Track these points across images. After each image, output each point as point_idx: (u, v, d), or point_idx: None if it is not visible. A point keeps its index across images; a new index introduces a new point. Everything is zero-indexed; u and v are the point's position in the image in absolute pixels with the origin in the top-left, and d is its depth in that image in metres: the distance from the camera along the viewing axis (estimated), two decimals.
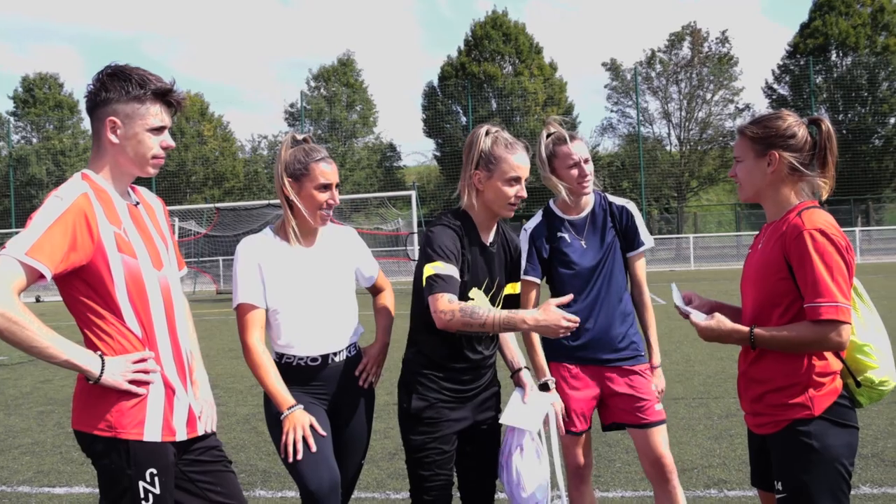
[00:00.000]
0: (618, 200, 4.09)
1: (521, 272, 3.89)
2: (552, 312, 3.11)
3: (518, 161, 3.42)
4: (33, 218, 2.69)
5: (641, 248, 4.05)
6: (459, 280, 3.32)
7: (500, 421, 3.54)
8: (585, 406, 3.93)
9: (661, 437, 3.90)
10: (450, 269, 3.28)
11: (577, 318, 3.16)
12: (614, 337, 3.92)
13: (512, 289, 3.70)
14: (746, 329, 2.99)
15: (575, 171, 3.88)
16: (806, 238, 2.85)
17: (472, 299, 3.43)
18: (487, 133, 3.45)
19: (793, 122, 3.03)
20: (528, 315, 3.13)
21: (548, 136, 3.96)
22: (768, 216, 3.13)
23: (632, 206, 4.09)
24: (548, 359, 3.94)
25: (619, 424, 3.99)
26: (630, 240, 4.04)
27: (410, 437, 3.48)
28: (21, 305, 2.61)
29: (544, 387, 3.81)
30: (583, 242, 3.96)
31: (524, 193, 3.45)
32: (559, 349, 3.93)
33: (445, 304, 3.18)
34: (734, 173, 3.16)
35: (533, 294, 3.99)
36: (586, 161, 3.90)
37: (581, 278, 3.92)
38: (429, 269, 3.29)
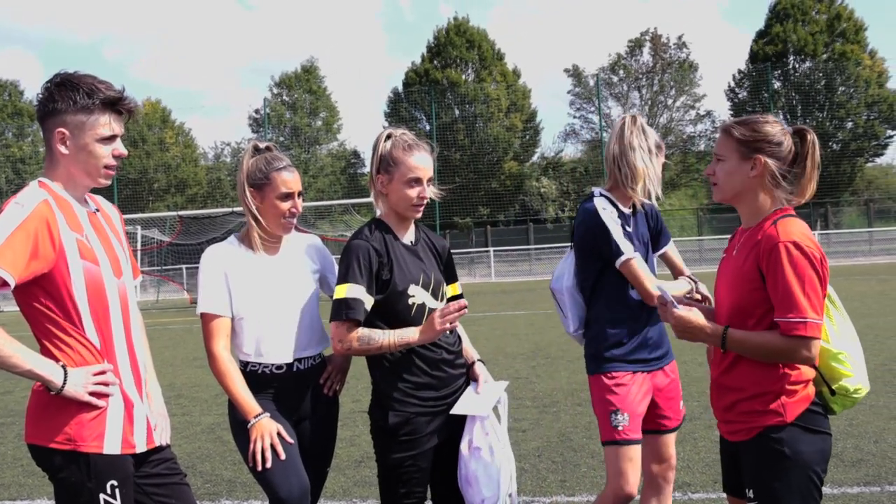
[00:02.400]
0: (645, 200, 3.99)
1: (625, 253, 3.71)
2: (430, 320, 3.30)
3: (416, 161, 3.43)
4: None
5: (671, 241, 4.13)
6: (367, 300, 3.36)
7: (451, 412, 3.45)
8: (646, 410, 3.83)
9: (673, 438, 3.97)
10: (355, 292, 3.34)
11: (460, 309, 3.29)
12: (656, 334, 3.86)
13: (453, 290, 3.73)
14: (721, 329, 3.00)
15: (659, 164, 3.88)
16: (781, 250, 2.86)
17: (413, 296, 3.45)
18: (389, 137, 3.49)
19: (780, 130, 3.04)
20: (414, 331, 3.36)
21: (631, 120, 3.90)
22: (743, 221, 3.14)
23: (656, 205, 4.10)
24: (605, 369, 3.77)
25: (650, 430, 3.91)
26: (662, 237, 4.08)
27: (388, 455, 3.43)
28: None
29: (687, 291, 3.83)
30: (634, 239, 3.86)
31: (426, 194, 3.46)
32: (628, 358, 3.77)
33: (343, 334, 3.34)
34: (712, 171, 3.13)
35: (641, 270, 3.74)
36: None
37: None
38: (339, 292, 3.37)
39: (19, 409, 9.60)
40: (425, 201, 3.48)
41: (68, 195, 2.86)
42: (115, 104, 2.84)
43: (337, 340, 3.36)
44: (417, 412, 3.42)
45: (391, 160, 3.43)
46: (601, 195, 3.87)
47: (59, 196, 2.83)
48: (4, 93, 56.79)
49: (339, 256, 3.50)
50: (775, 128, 3.04)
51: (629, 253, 3.72)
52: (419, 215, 3.51)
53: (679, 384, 3.98)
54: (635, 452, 3.73)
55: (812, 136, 3.06)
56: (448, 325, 3.31)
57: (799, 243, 2.86)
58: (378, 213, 3.59)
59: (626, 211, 3.88)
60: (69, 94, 2.79)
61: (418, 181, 3.43)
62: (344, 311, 3.33)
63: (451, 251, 3.80)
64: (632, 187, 3.80)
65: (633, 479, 3.72)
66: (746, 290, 2.98)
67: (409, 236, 3.58)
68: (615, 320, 3.79)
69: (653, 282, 3.70)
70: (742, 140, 3.03)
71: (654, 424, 3.88)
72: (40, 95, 2.84)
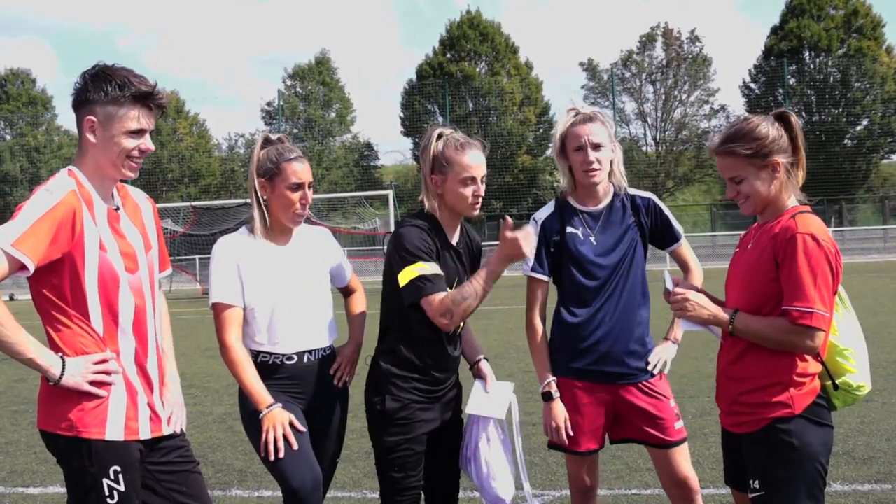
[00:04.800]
0: (641, 193, 3.77)
1: (527, 268, 3.69)
2: (507, 239, 3.19)
3: (470, 160, 3.43)
4: (21, 209, 2.72)
5: (682, 240, 3.79)
6: (444, 275, 3.37)
7: (466, 411, 3.51)
8: (596, 424, 3.63)
9: (683, 458, 3.63)
10: (433, 268, 3.33)
11: (530, 229, 3.21)
12: (628, 349, 3.60)
13: None
14: (731, 310, 3.04)
15: (581, 156, 3.58)
16: (798, 241, 2.88)
17: None
18: (440, 136, 3.50)
19: (769, 125, 3.05)
20: (493, 259, 3.26)
21: (573, 116, 3.66)
22: (762, 219, 3.15)
23: (656, 199, 3.80)
24: (555, 375, 3.64)
25: (631, 440, 3.72)
26: (668, 233, 3.76)
27: (383, 438, 3.48)
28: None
29: (547, 396, 3.60)
30: (592, 239, 3.63)
31: (482, 192, 3.46)
32: (567, 365, 3.62)
33: (438, 305, 3.27)
34: (735, 194, 3.11)
35: (540, 292, 3.69)
36: (597, 147, 3.56)
37: (593, 279, 3.60)
38: (411, 273, 3.32)
39: (32, 396, 9.64)
40: (480, 199, 3.49)
41: (92, 188, 2.90)
42: (147, 99, 2.87)
43: (439, 317, 3.30)
44: (413, 399, 3.46)
45: (444, 160, 3.44)
46: (556, 199, 3.78)
47: (84, 187, 2.87)
48: (17, 81, 57.00)
49: (350, 249, 3.52)
50: (768, 126, 3.04)
51: (525, 269, 3.70)
52: (477, 212, 3.52)
53: (662, 402, 3.63)
54: (570, 460, 3.71)
55: (794, 118, 3.09)
56: (527, 252, 3.21)
57: (816, 236, 2.89)
58: (426, 207, 3.54)
59: (594, 209, 3.69)
60: (102, 84, 2.83)
61: (473, 180, 3.44)
62: (426, 287, 3.31)
63: None
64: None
65: (579, 477, 3.73)
66: (761, 282, 3.01)
67: (455, 236, 3.59)
68: (560, 327, 3.69)
69: (534, 311, 3.69)
70: (751, 153, 3.03)
71: (645, 435, 3.64)
72: (76, 84, 2.89)
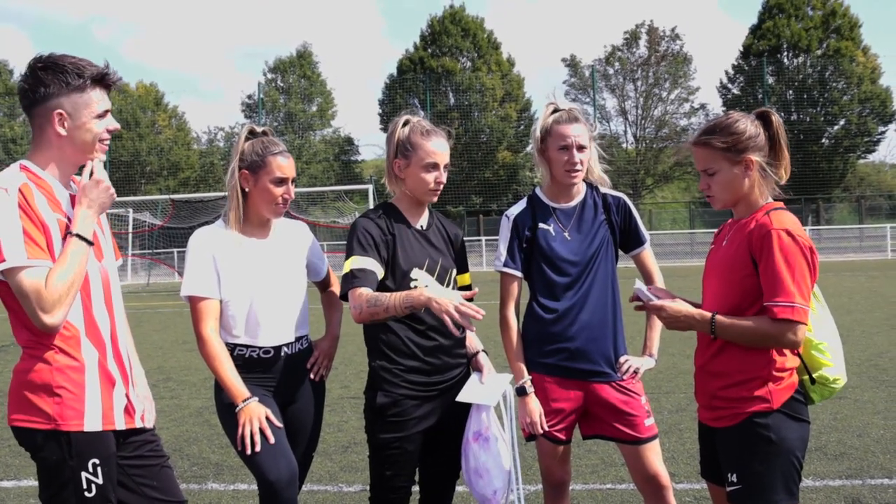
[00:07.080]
0: (612, 192, 3.79)
1: (500, 263, 3.72)
2: (449, 293, 3.13)
3: (434, 147, 3.48)
4: None
5: (646, 244, 3.82)
6: (378, 271, 3.38)
7: (457, 398, 3.48)
8: (565, 417, 3.65)
9: (654, 454, 3.64)
10: (365, 262, 3.37)
11: (479, 312, 3.02)
12: (601, 346, 3.63)
13: (461, 280, 3.74)
14: (709, 314, 3.05)
15: (565, 156, 3.60)
16: (773, 237, 2.91)
17: (416, 280, 3.46)
18: (406, 123, 3.55)
19: (749, 122, 3.09)
20: (425, 291, 3.18)
21: (552, 112, 3.68)
22: (737, 215, 3.18)
23: (627, 199, 3.83)
24: (527, 369, 3.68)
25: (602, 436, 3.73)
26: (634, 236, 3.79)
27: (375, 435, 3.47)
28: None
29: (521, 391, 3.62)
30: (566, 234, 3.67)
31: (443, 179, 3.52)
32: (539, 360, 3.66)
33: (356, 297, 3.28)
34: (705, 187, 3.15)
35: (514, 287, 3.72)
36: (581, 148, 3.60)
37: (564, 276, 3.63)
38: (347, 266, 3.38)
39: (6, 389, 9.57)
40: (441, 186, 3.53)
41: (51, 177, 2.86)
42: (103, 79, 2.87)
43: (352, 308, 3.31)
44: (405, 394, 3.45)
45: (409, 144, 3.50)
46: (528, 196, 3.81)
47: (41, 178, 2.83)
48: None
49: (329, 243, 3.52)
50: (746, 122, 3.09)
51: (498, 265, 3.75)
52: (435, 199, 3.56)
53: (632, 399, 3.67)
54: (545, 447, 3.67)
55: (776, 117, 3.13)
56: (455, 318, 3.04)
57: (791, 231, 2.92)
58: (392, 197, 3.61)
59: (566, 206, 3.72)
60: (60, 77, 2.79)
61: (435, 166, 3.49)
62: (351, 281, 3.33)
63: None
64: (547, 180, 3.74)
65: (551, 471, 3.72)
66: (738, 277, 3.03)
67: (420, 221, 3.61)
68: (532, 322, 3.72)
69: (507, 307, 3.73)
70: (726, 147, 3.07)
71: (615, 432, 3.66)
72: (25, 83, 2.83)
